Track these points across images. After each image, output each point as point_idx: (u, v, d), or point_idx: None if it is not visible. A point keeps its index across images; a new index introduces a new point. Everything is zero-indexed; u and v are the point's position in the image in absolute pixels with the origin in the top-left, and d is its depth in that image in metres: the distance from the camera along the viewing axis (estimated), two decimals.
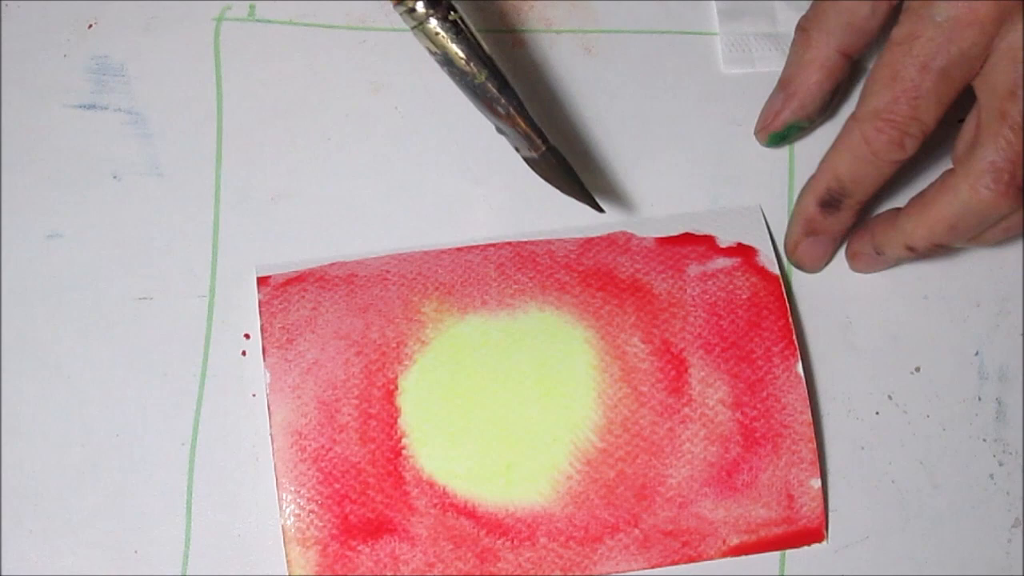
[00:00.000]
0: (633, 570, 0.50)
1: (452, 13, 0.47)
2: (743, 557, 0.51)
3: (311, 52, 0.53)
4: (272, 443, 0.50)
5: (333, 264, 0.52)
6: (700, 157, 0.54)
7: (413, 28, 0.47)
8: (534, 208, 0.53)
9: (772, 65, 0.55)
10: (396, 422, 0.50)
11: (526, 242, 0.52)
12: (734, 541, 0.50)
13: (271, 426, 0.50)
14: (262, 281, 0.52)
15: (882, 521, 0.52)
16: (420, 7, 0.47)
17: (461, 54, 0.47)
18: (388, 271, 0.52)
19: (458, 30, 0.47)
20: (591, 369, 0.51)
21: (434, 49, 0.48)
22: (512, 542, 0.50)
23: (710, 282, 0.52)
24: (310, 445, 0.50)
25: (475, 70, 0.48)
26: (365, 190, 0.53)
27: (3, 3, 0.54)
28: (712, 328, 0.52)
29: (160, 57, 0.54)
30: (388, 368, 0.51)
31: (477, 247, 0.52)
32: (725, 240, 0.53)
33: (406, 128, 0.54)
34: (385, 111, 0.54)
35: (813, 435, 0.51)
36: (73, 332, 0.52)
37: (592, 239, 0.53)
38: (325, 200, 0.53)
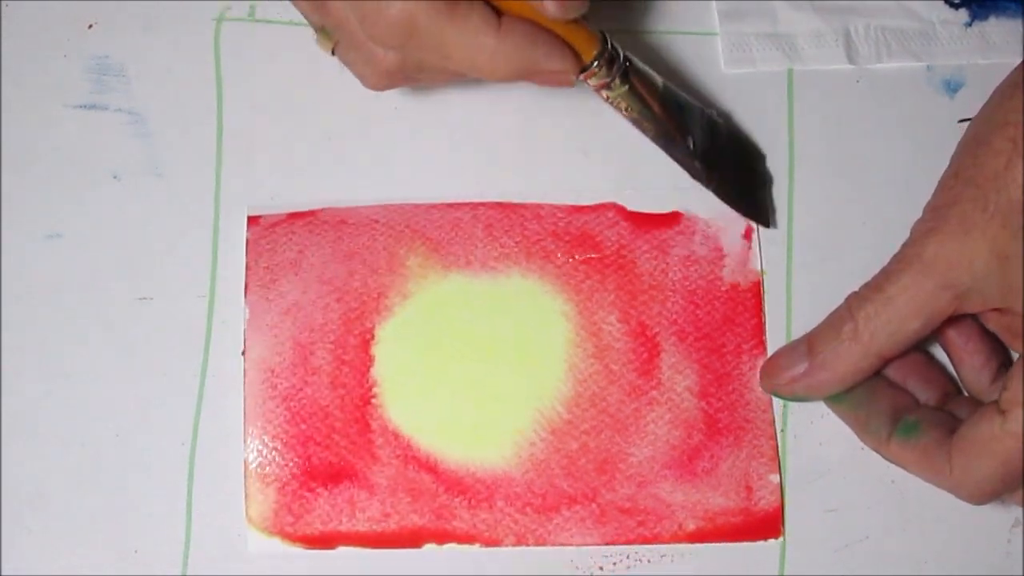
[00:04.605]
0: (587, 544, 0.50)
1: (629, 67, 0.49)
2: (743, 557, 0.51)
3: (311, 52, 0.53)
4: (244, 377, 0.51)
5: (324, 209, 0.52)
6: None
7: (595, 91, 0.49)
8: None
9: (773, 65, 0.54)
10: (368, 370, 0.51)
11: (516, 204, 0.53)
12: (691, 527, 0.50)
13: (245, 360, 0.51)
14: (252, 220, 0.52)
15: (882, 521, 0.51)
16: (599, 77, 0.48)
17: (632, 116, 0.50)
18: (377, 220, 0.52)
19: (629, 89, 0.49)
20: (566, 342, 0.52)
21: (616, 109, 0.50)
22: (469, 502, 0.50)
23: (692, 268, 0.52)
24: (281, 383, 0.51)
25: (643, 129, 0.50)
26: (365, 190, 0.53)
27: (3, 3, 0.54)
28: (688, 316, 0.52)
29: (160, 57, 0.54)
30: (367, 317, 0.51)
31: (467, 204, 0.53)
32: (713, 225, 0.53)
33: (406, 128, 0.54)
34: (385, 111, 0.54)
35: (774, 432, 0.51)
36: (73, 332, 0.52)
37: (581, 207, 0.53)
38: (324, 200, 0.53)
